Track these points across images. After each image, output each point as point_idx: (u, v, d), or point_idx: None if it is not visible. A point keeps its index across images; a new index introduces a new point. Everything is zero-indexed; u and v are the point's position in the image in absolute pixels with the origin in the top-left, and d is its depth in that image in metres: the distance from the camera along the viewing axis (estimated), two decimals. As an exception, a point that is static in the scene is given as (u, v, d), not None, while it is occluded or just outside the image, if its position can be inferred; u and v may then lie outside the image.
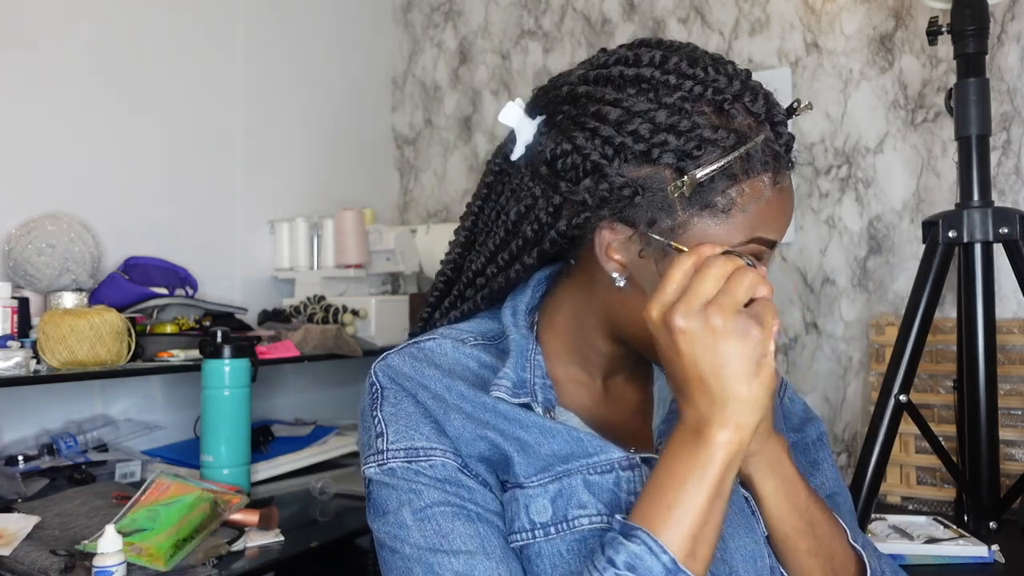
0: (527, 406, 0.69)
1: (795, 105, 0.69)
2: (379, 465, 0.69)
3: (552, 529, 0.66)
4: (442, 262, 0.80)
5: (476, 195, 0.78)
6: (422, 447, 0.68)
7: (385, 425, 0.70)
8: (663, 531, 0.57)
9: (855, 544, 0.74)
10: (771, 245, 0.67)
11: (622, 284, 0.68)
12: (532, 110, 0.73)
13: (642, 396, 0.78)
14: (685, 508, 0.58)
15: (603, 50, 0.72)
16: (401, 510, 0.67)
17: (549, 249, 0.70)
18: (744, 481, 0.71)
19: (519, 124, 0.72)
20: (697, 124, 0.63)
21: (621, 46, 0.71)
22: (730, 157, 0.63)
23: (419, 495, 0.67)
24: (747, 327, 0.57)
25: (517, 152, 0.73)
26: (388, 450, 0.69)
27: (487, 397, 0.69)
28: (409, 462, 0.68)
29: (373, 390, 0.72)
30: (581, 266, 0.72)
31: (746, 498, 0.72)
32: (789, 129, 0.68)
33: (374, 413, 0.71)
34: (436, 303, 0.81)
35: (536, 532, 0.67)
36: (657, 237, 0.65)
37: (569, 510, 0.67)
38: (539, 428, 0.68)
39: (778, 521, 0.71)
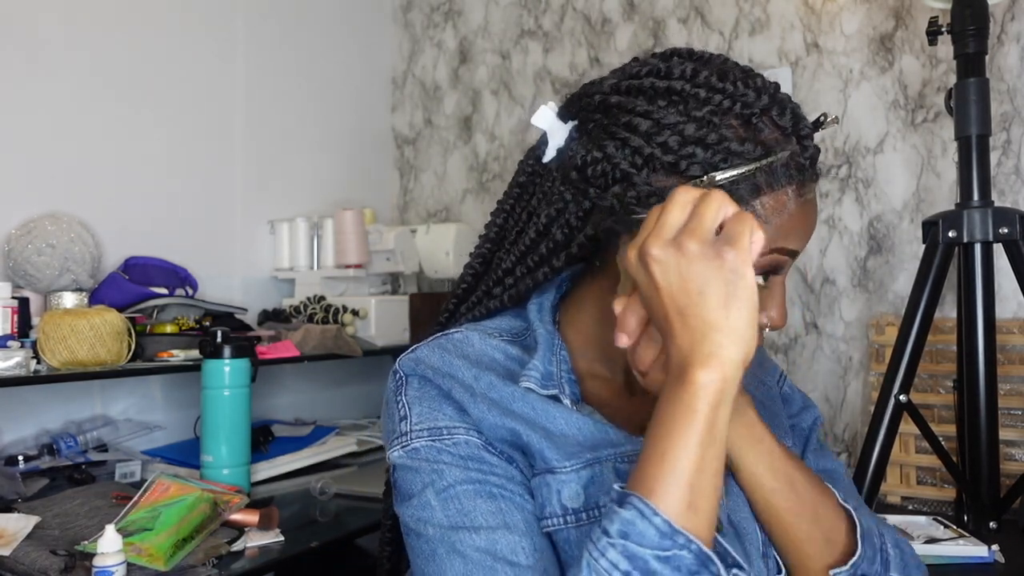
0: (555, 398, 0.71)
1: (822, 119, 0.70)
2: (403, 447, 0.69)
3: (584, 515, 0.67)
4: (471, 255, 0.81)
5: (508, 194, 0.79)
6: (445, 426, 0.69)
7: (409, 408, 0.71)
8: (657, 486, 0.55)
9: (845, 504, 0.73)
10: (793, 255, 0.68)
11: None
12: (564, 115, 0.75)
13: None
14: (677, 456, 0.55)
15: (635, 59, 0.73)
16: (425, 492, 0.67)
17: (577, 253, 0.71)
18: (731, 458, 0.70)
19: (551, 127, 0.74)
20: (724, 137, 0.64)
21: (654, 55, 0.72)
22: (752, 166, 0.64)
23: (442, 475, 0.67)
24: (719, 249, 0.55)
25: (549, 155, 0.74)
26: (412, 431, 0.69)
27: (516, 387, 0.70)
28: (433, 440, 0.68)
29: (397, 378, 0.73)
30: (607, 269, 0.73)
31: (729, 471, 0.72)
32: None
33: (398, 398, 0.72)
34: (463, 296, 0.82)
35: (568, 518, 0.67)
36: None
37: (600, 497, 0.67)
38: (565, 419, 0.69)
39: (754, 483, 0.69)
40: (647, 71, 0.70)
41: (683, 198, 0.58)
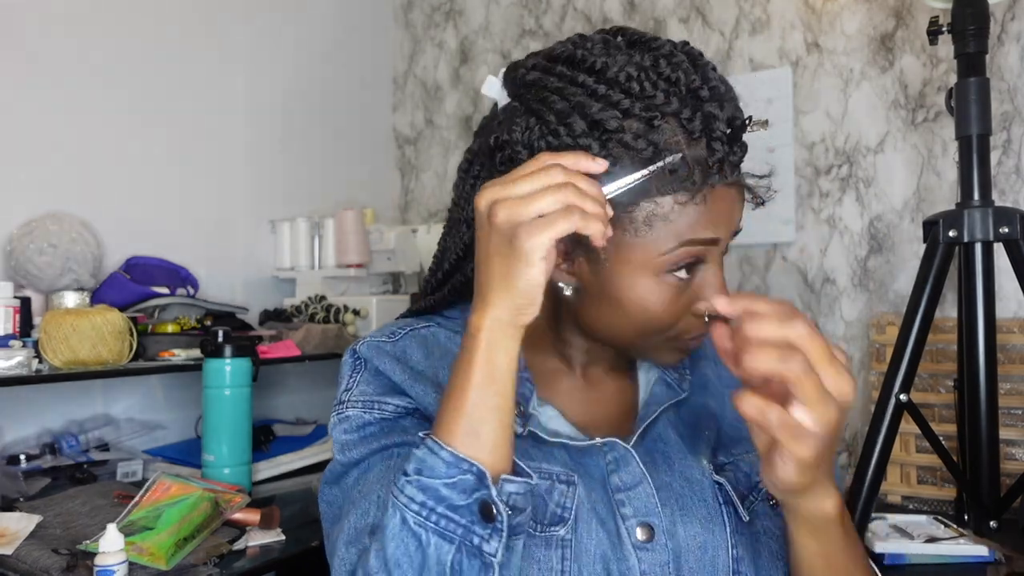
0: None
1: (747, 121, 0.67)
2: (337, 415, 0.74)
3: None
4: (439, 242, 0.82)
5: (459, 168, 0.79)
6: (377, 400, 0.73)
7: (352, 381, 0.75)
8: (443, 423, 0.60)
9: None
10: (711, 243, 0.66)
11: (569, 293, 0.69)
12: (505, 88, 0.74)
13: (625, 382, 0.80)
14: (459, 395, 0.60)
15: (560, 42, 0.72)
16: (348, 463, 0.72)
17: None
18: (788, 531, 0.67)
19: (500, 98, 0.73)
20: (622, 141, 0.63)
21: (580, 36, 0.71)
22: (637, 176, 0.63)
23: (368, 444, 0.71)
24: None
25: None
26: (348, 401, 0.74)
27: None
28: (365, 412, 0.72)
29: (355, 356, 0.77)
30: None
31: (720, 484, 0.71)
32: (749, 142, 0.67)
33: (344, 372, 0.76)
34: (427, 288, 0.83)
35: None
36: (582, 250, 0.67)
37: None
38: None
39: (807, 571, 0.67)
40: (566, 56, 0.69)
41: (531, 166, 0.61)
